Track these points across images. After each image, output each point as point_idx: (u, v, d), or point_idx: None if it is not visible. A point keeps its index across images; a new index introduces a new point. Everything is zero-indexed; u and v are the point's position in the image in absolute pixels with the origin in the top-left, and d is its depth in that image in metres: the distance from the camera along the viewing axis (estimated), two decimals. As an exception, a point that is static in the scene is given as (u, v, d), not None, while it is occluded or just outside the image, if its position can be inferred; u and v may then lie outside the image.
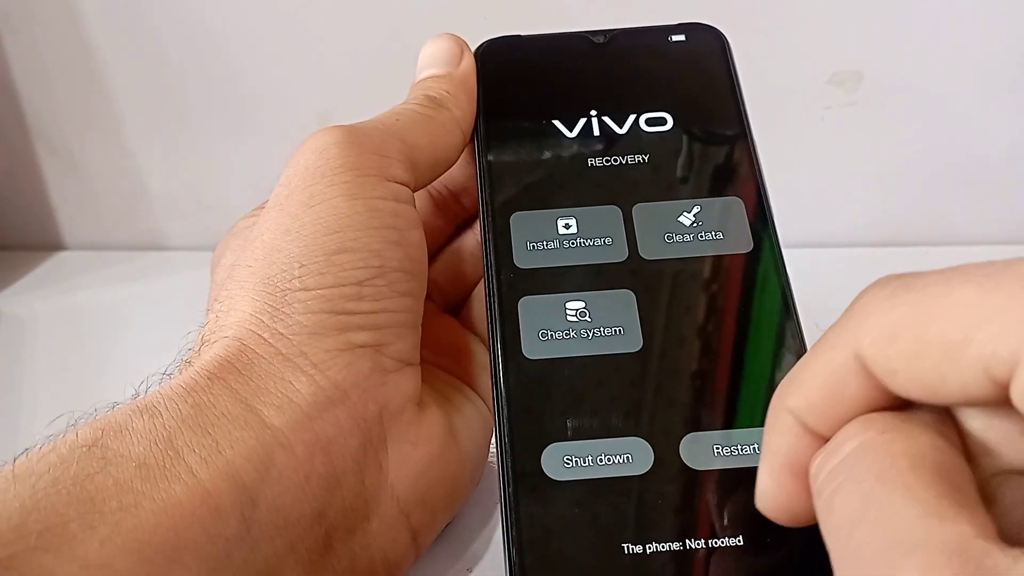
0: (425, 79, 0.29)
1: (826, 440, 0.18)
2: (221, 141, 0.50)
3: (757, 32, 0.43)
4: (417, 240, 0.26)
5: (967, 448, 0.18)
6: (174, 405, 0.22)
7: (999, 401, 0.16)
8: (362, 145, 0.26)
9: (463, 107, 0.29)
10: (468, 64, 0.30)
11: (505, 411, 0.24)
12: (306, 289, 0.24)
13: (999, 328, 0.15)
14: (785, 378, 0.19)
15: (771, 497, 0.19)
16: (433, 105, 0.28)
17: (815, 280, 0.43)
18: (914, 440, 0.17)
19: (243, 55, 0.47)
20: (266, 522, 0.22)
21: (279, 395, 0.23)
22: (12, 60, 0.49)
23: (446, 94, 0.29)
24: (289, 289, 0.24)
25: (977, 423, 0.18)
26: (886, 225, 0.48)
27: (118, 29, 0.47)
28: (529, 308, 0.25)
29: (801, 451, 0.18)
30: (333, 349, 0.24)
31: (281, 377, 0.23)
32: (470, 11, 0.44)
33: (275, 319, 0.24)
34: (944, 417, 0.18)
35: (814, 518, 0.18)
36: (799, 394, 0.18)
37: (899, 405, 0.18)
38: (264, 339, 0.24)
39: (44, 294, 0.49)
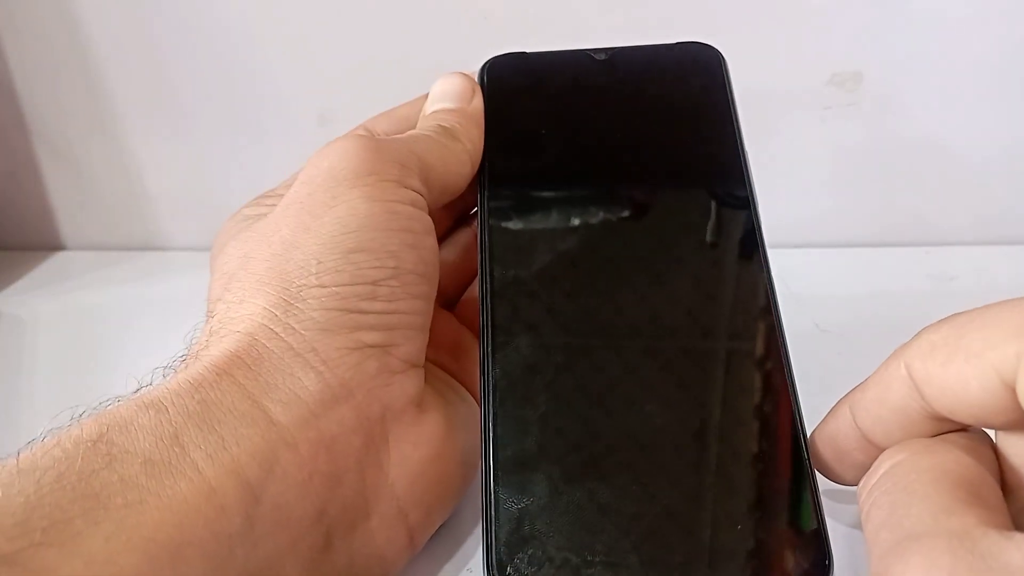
0: (438, 111, 0.30)
1: (867, 440, 0.22)
2: (221, 141, 0.50)
3: (758, 33, 0.43)
4: (431, 245, 0.27)
5: (1005, 480, 0.20)
6: (181, 401, 0.22)
7: (1014, 412, 0.18)
8: (384, 152, 0.27)
9: (474, 140, 0.30)
10: (479, 102, 0.31)
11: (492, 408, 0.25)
12: (322, 286, 0.24)
13: (1007, 333, 0.18)
14: (855, 388, 0.23)
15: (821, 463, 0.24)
16: (447, 135, 0.29)
17: (815, 280, 0.43)
18: (940, 457, 0.19)
19: (243, 55, 0.47)
20: (269, 520, 0.22)
21: (287, 391, 0.23)
22: (12, 60, 0.49)
23: (458, 126, 0.30)
24: (305, 285, 0.24)
25: (1013, 453, 0.20)
26: (886, 225, 0.48)
27: (118, 29, 0.47)
28: None
29: (845, 437, 0.23)
30: (343, 347, 0.24)
31: (290, 373, 0.23)
32: (471, 11, 0.44)
33: (288, 313, 0.24)
34: (980, 445, 0.20)
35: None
36: (858, 393, 0.22)
37: (935, 432, 0.21)
38: (275, 333, 0.24)
39: (44, 294, 0.49)
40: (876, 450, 0.22)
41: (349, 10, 0.45)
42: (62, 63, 0.49)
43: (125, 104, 0.49)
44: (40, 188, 0.52)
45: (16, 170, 0.52)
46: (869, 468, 0.21)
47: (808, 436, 0.24)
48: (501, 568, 0.22)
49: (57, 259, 0.53)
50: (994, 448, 0.21)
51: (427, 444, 0.26)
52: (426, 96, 0.32)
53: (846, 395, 0.23)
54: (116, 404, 0.22)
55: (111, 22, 0.47)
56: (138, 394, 0.23)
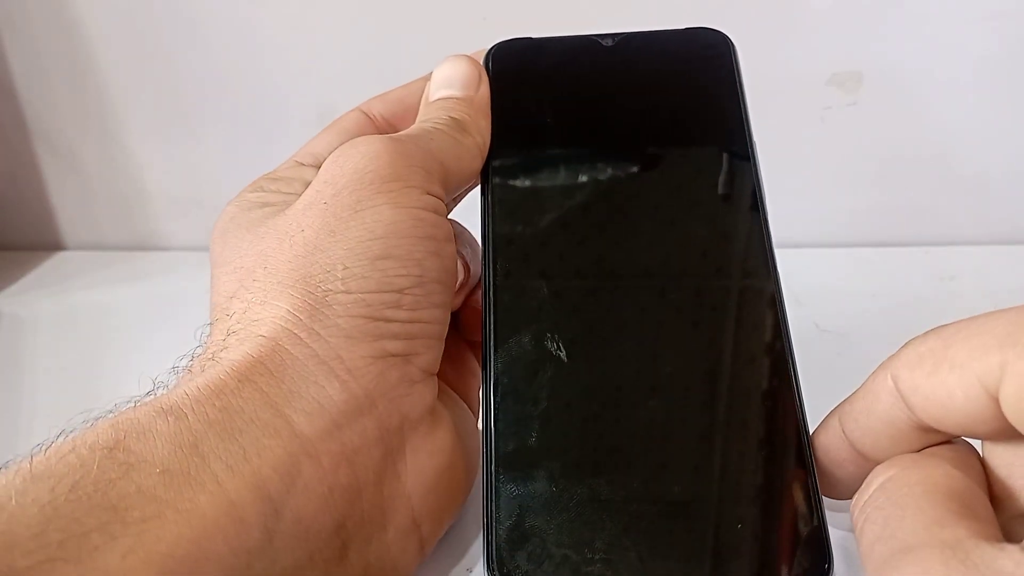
0: (445, 99, 0.29)
1: (856, 452, 0.22)
2: (221, 141, 0.50)
3: (758, 32, 0.43)
4: (452, 253, 0.26)
5: (992, 491, 0.20)
6: (201, 408, 0.21)
7: (998, 422, 0.19)
8: (409, 157, 0.26)
9: (484, 133, 0.29)
10: (486, 89, 0.30)
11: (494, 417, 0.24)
12: (348, 292, 0.24)
13: (991, 343, 0.18)
14: (844, 400, 0.23)
15: (824, 475, 0.24)
16: (458, 129, 0.28)
17: (814, 280, 0.43)
18: (931, 471, 0.20)
19: (243, 55, 0.47)
20: (288, 534, 0.21)
21: (310, 400, 0.23)
22: (12, 60, 0.49)
23: (468, 118, 0.29)
24: (331, 290, 0.24)
25: (999, 464, 0.20)
26: (886, 225, 0.48)
27: (118, 29, 0.47)
28: None
29: (835, 450, 0.23)
30: (368, 356, 0.24)
31: (314, 381, 0.23)
32: (470, 10, 0.44)
33: (314, 318, 0.23)
34: (967, 458, 0.21)
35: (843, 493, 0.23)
36: (846, 405, 0.22)
37: (923, 444, 0.21)
38: (301, 339, 0.23)
39: (44, 294, 0.49)
40: (866, 462, 0.22)
41: (349, 9, 0.45)
42: (62, 63, 0.48)
43: (125, 104, 0.49)
44: (40, 188, 0.52)
45: (16, 170, 0.52)
46: (860, 481, 0.21)
47: (811, 436, 0.24)
48: (501, 565, 0.22)
49: (57, 259, 0.53)
50: (981, 460, 0.21)
51: (440, 453, 0.25)
52: (425, 78, 0.31)
53: (835, 408, 0.23)
54: (132, 408, 0.22)
55: (111, 22, 0.47)
56: (154, 398, 0.22)
